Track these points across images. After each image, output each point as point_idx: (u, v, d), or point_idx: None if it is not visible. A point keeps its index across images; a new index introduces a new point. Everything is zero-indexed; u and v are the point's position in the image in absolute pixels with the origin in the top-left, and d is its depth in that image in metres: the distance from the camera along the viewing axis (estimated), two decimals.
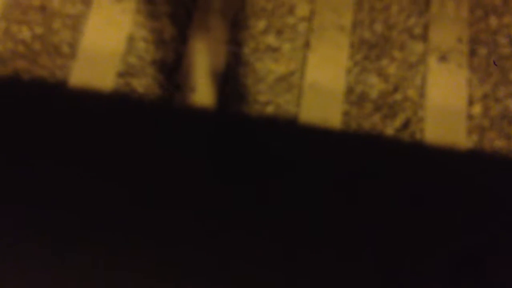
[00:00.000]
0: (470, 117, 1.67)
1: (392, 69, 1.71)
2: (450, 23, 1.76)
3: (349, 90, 1.70)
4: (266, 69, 1.72)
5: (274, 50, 1.74)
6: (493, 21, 1.78)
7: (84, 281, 1.48)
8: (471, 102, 1.69)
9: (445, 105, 1.68)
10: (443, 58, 1.72)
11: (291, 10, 1.78)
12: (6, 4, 1.77)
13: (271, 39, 1.75)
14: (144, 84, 1.70)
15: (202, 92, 1.68)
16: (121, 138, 1.65)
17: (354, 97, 1.69)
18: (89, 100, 1.70)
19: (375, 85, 1.70)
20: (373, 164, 1.64)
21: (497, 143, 1.65)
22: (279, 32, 1.76)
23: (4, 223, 1.55)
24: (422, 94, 1.70)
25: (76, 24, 1.75)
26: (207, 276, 1.50)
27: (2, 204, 1.57)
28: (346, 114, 1.67)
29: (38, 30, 1.75)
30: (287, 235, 1.54)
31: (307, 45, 1.74)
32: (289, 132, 1.67)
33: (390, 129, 1.66)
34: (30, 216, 1.54)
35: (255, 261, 1.52)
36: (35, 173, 1.60)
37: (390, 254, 1.53)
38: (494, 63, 1.70)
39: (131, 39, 1.74)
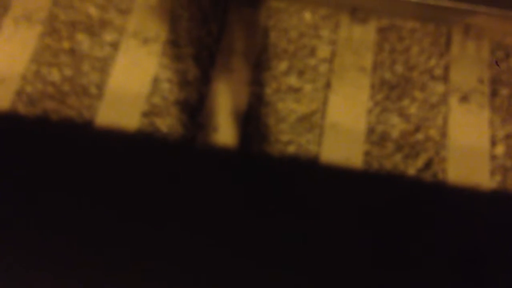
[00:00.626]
0: (493, 157, 1.67)
1: (413, 109, 1.73)
2: (471, 64, 1.78)
3: (370, 130, 1.71)
4: (288, 109, 1.75)
5: (296, 90, 1.77)
6: None
7: None
8: (493, 142, 1.69)
9: (468, 145, 1.67)
10: (464, 98, 1.73)
11: (312, 52, 1.81)
12: (37, 47, 1.84)
13: (292, 80, 1.78)
14: (167, 123, 1.74)
15: (225, 132, 1.71)
16: (144, 175, 1.68)
17: (375, 137, 1.70)
18: (114, 139, 1.74)
19: (396, 125, 1.71)
20: (394, 203, 1.63)
21: None
22: (300, 73, 1.79)
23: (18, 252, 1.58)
24: (444, 134, 1.70)
25: (103, 66, 1.81)
26: None
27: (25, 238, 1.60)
28: (367, 154, 1.68)
29: (67, 72, 1.81)
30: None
31: (328, 85, 1.77)
32: (311, 171, 1.68)
33: (412, 169, 1.66)
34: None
35: None
36: (58, 209, 1.64)
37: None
38: (496, 63, 1.70)
39: (156, 80, 1.79)
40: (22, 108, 1.76)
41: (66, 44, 1.85)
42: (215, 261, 1.55)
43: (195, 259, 1.56)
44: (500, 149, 1.67)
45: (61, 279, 1.54)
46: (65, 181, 1.67)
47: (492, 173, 1.64)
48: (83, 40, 1.85)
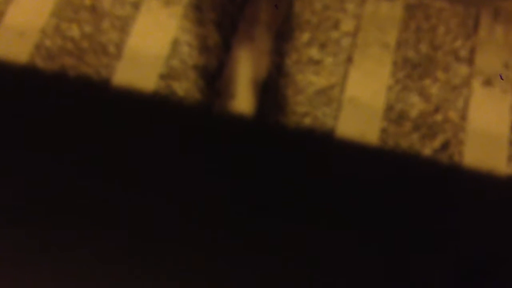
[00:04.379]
0: (511, 143, 1.64)
1: (434, 90, 1.70)
2: (497, 48, 1.74)
3: (389, 108, 1.69)
4: (307, 81, 1.73)
5: (316, 63, 1.75)
6: None
7: None
8: None
9: (487, 130, 1.65)
10: (487, 82, 1.70)
11: (336, 25, 1.79)
12: (58, 2, 1.83)
13: (313, 52, 1.76)
14: (185, 87, 1.72)
15: (242, 100, 1.70)
16: (157, 138, 1.68)
17: (394, 114, 1.68)
18: (130, 99, 1.73)
19: (415, 104, 1.69)
20: (407, 182, 1.62)
21: None
22: (322, 46, 1.77)
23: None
24: (463, 116, 1.67)
25: (123, 25, 1.80)
26: None
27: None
28: (384, 131, 1.66)
29: (87, 29, 1.80)
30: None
31: (349, 60, 1.75)
32: (326, 145, 1.67)
33: (428, 150, 1.64)
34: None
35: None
36: (66, 167, 1.64)
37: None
38: (501, 77, 1.68)
39: (175, 43, 1.77)
40: (40, 62, 1.76)
41: (87, 1, 1.83)
42: (230, 231, 1.56)
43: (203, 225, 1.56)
44: None
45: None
46: (75, 137, 1.67)
47: (510, 159, 1.62)
48: None
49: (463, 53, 1.75)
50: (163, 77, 1.74)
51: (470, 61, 1.74)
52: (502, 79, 1.69)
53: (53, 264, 1.51)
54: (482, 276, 1.53)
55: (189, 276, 1.50)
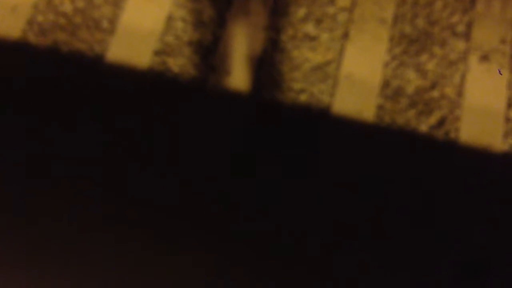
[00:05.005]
0: (507, 119, 1.64)
1: (431, 66, 1.69)
2: (494, 23, 1.73)
3: (385, 84, 1.68)
4: (303, 57, 1.71)
5: (312, 38, 1.73)
6: None
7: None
8: (509, 105, 1.65)
9: (483, 106, 1.64)
10: (484, 58, 1.69)
11: (332, 0, 1.76)
12: None
13: (309, 28, 1.74)
14: (179, 63, 1.70)
15: (237, 76, 1.68)
16: (152, 115, 1.66)
17: (390, 91, 1.67)
18: (124, 76, 1.71)
19: (412, 81, 1.68)
20: (403, 160, 1.62)
21: None
22: (318, 21, 1.75)
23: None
24: (460, 93, 1.67)
25: (117, 0, 1.77)
26: None
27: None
28: (380, 107, 1.65)
29: (80, 4, 1.77)
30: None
31: (345, 35, 1.73)
32: (321, 121, 1.66)
33: (424, 126, 1.64)
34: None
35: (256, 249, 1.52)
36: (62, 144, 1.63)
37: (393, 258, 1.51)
38: (499, 72, 1.67)
39: (170, 19, 1.75)
40: (32, 38, 1.73)
41: None
42: (215, 214, 1.55)
43: (195, 209, 1.56)
44: None
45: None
46: (68, 116, 1.65)
47: (506, 135, 1.62)
48: None
49: (460, 28, 1.73)
50: (157, 53, 1.71)
51: (467, 36, 1.73)
52: (501, 74, 1.67)
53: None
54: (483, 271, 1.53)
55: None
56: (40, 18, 1.75)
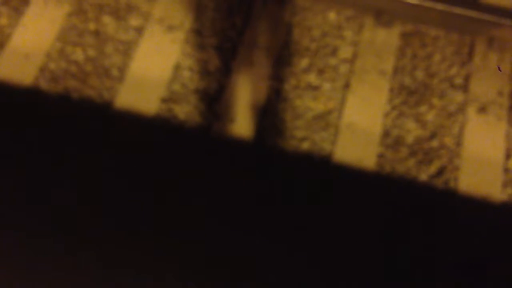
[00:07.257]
0: (506, 170, 1.67)
1: (430, 116, 1.73)
2: (491, 76, 1.78)
3: (386, 133, 1.72)
4: (305, 106, 1.76)
5: (314, 88, 1.78)
6: None
7: None
8: (508, 156, 1.69)
9: (482, 156, 1.68)
10: (482, 109, 1.73)
11: (334, 52, 1.83)
12: (64, 26, 1.87)
13: (312, 78, 1.79)
14: (185, 111, 1.76)
15: (241, 124, 1.73)
16: (158, 159, 1.70)
17: (390, 140, 1.71)
18: (132, 122, 1.76)
19: (412, 130, 1.72)
20: (404, 207, 1.64)
21: None
22: (320, 72, 1.80)
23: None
24: (459, 143, 1.70)
25: (127, 49, 1.84)
26: None
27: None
28: (381, 156, 1.69)
29: (91, 52, 1.84)
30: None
31: (347, 86, 1.78)
32: (323, 169, 1.69)
33: (424, 175, 1.67)
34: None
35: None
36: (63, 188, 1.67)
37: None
38: (499, 68, 1.69)
39: (177, 68, 1.81)
40: (44, 84, 1.79)
41: (92, 26, 1.88)
42: (224, 248, 1.57)
43: (202, 247, 1.58)
44: None
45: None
46: (78, 158, 1.70)
47: (504, 185, 1.64)
48: (108, 23, 1.88)
49: (458, 80, 1.78)
50: (164, 100, 1.77)
51: (465, 88, 1.77)
52: (501, 71, 1.66)
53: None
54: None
55: None
56: (52, 65, 1.82)
